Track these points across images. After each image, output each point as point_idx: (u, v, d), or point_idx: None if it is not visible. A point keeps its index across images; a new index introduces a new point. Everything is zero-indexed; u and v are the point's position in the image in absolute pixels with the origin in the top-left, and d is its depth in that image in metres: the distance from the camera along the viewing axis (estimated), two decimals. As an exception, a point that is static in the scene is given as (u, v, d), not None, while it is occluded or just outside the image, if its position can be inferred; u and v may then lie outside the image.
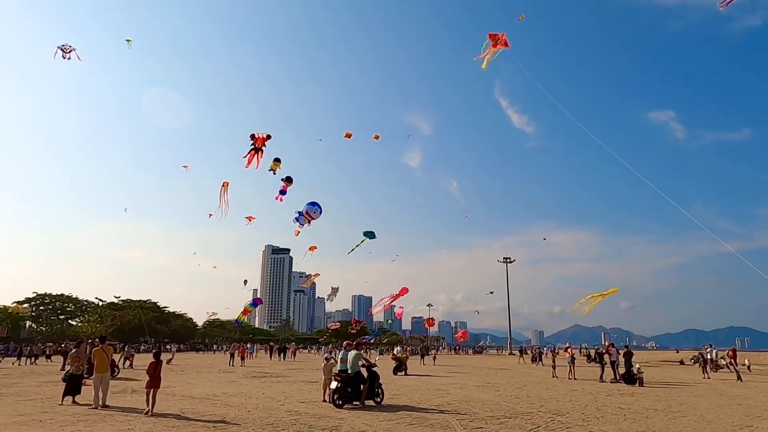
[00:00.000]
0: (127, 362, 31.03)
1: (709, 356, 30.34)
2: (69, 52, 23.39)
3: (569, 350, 28.01)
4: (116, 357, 34.25)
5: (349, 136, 38.19)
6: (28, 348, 40.86)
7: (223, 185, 25.19)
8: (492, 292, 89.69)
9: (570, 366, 25.66)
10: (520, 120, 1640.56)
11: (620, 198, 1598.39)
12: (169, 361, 31.49)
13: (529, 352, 55.41)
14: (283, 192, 24.77)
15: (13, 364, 36.35)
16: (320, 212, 24.61)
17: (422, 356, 43.43)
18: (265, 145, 21.73)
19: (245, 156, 21.66)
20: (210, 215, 52.34)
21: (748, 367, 32.92)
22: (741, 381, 24.42)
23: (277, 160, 22.74)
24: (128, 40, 28.78)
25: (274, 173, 23.00)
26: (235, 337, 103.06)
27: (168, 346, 69.06)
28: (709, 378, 26.83)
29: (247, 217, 37.70)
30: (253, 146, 21.61)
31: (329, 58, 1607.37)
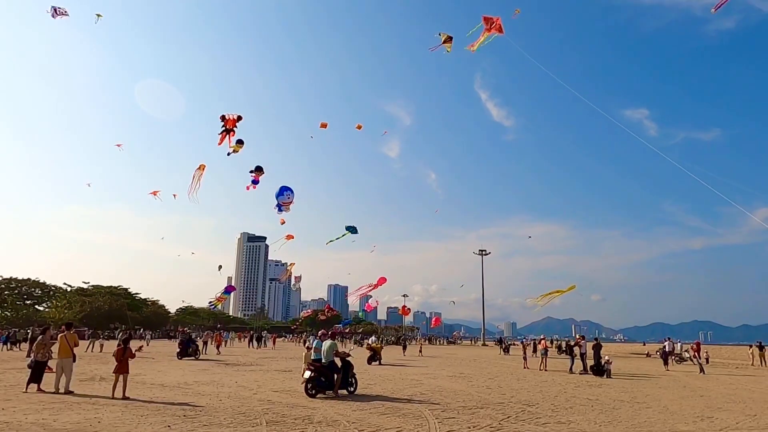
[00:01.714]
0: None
1: (668, 349, 31.34)
2: (61, 14, 23.38)
3: (543, 342, 28.58)
4: (85, 343, 33.90)
5: (324, 126, 37.91)
6: (12, 333, 42.13)
7: (199, 168, 24.63)
8: (462, 286, 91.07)
9: (542, 358, 26.18)
10: (499, 113, 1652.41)
11: (593, 192, 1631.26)
12: (140, 348, 30.84)
13: (503, 343, 56.25)
14: (255, 182, 24.46)
15: (9, 349, 36.47)
16: (292, 194, 24.51)
17: (404, 347, 43.33)
18: (236, 126, 21.48)
19: (218, 134, 21.51)
20: (174, 196, 51.49)
21: (707, 359, 34.07)
22: (703, 373, 25.27)
23: (239, 142, 22.44)
24: (98, 15, 27.99)
25: (236, 153, 22.65)
26: (209, 325, 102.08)
27: (141, 333, 67.48)
28: (668, 370, 27.69)
29: (152, 192, 37.75)
30: (224, 128, 21.38)
31: (307, 45, 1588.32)
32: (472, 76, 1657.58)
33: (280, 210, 24.66)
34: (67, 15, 23.94)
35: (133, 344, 14.36)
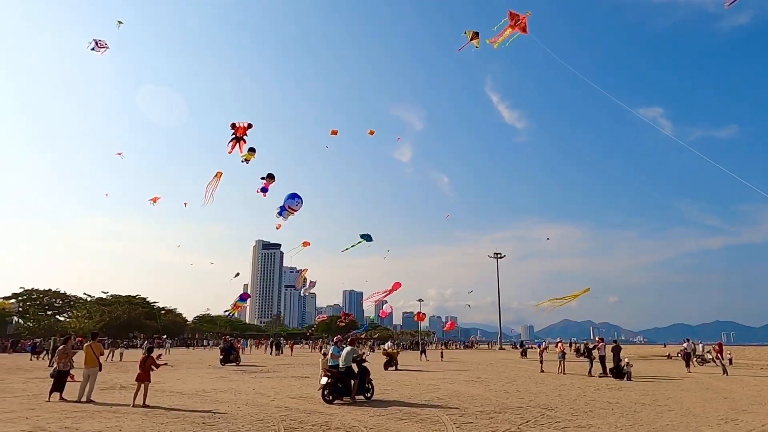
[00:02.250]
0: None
1: (690, 350, 30.75)
2: (102, 47, 24.18)
3: (560, 345, 28.24)
4: (105, 352, 34.44)
5: (335, 133, 38.16)
6: (39, 342, 43.58)
7: (216, 175, 24.70)
8: (471, 291, 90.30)
9: (560, 361, 25.87)
10: (510, 115, 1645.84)
11: (607, 193, 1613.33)
12: (159, 357, 31.17)
13: (517, 346, 55.58)
14: (264, 189, 24.46)
15: (30, 359, 37.09)
16: (301, 203, 24.41)
17: (423, 351, 42.77)
18: (246, 134, 21.58)
19: (228, 143, 21.64)
20: (185, 204, 52.82)
21: (730, 361, 33.36)
22: (727, 375, 24.75)
23: (251, 150, 22.55)
24: (119, 22, 28.61)
25: (247, 162, 22.80)
26: (226, 332, 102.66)
27: (164, 340, 65.99)
28: (690, 372, 27.18)
29: (151, 199, 38.97)
30: (234, 135, 21.48)
31: (320, 52, 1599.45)
32: (482, 79, 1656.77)
33: (281, 213, 24.50)
34: (108, 48, 24.80)
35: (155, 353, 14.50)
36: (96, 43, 24.29)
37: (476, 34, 19.59)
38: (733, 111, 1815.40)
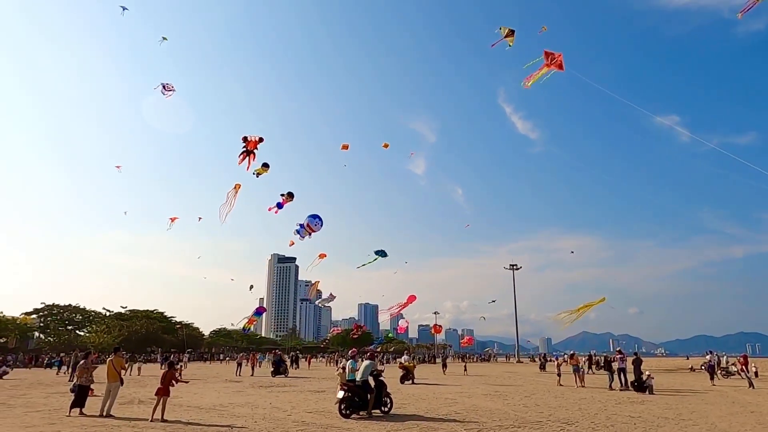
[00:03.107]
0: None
1: (713, 362, 30.01)
2: (169, 90, 25.50)
3: (575, 358, 27.67)
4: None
5: (346, 147, 38.36)
6: (63, 356, 44.45)
7: (234, 187, 24.79)
8: (494, 301, 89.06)
9: (575, 374, 25.41)
10: (524, 126, 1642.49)
11: (623, 203, 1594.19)
12: (179, 372, 31.30)
13: (537, 359, 54.62)
14: (279, 206, 24.56)
15: (57, 373, 38.20)
16: (321, 225, 24.59)
17: (444, 365, 41.71)
18: (257, 148, 21.76)
19: (239, 156, 21.89)
20: (199, 218, 53.17)
21: (756, 373, 32.43)
22: (753, 388, 24.10)
23: (265, 165, 22.75)
24: (164, 38, 29.71)
25: (258, 176, 23.01)
26: (242, 347, 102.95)
27: (179, 355, 65.06)
28: (714, 385, 26.50)
29: (170, 218, 39.56)
30: (245, 149, 21.65)
31: (333, 65, 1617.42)
32: (495, 91, 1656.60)
33: (299, 230, 24.58)
34: (175, 91, 26.34)
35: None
36: (163, 86, 25.66)
37: (512, 32, 19.19)
38: (750, 117, 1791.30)
